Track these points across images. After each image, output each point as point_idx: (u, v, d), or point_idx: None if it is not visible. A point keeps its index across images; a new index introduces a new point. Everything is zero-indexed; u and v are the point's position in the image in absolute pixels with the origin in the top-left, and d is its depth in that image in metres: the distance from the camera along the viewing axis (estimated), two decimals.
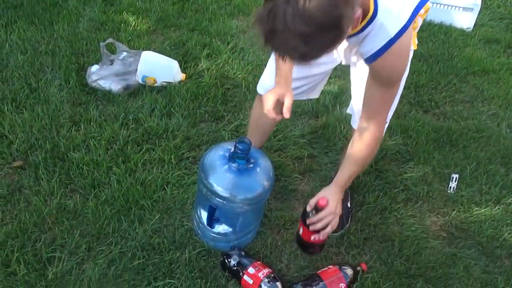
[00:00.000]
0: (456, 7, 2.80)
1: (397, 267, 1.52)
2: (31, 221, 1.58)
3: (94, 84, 2.21)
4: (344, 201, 1.55)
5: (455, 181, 1.84)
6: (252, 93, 2.26)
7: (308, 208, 1.32)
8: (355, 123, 1.46)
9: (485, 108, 2.23)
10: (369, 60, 1.10)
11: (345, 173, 1.33)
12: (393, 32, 1.03)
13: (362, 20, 1.03)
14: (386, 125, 1.36)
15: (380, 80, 1.15)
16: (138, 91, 2.22)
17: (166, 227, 1.62)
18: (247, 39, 2.67)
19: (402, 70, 1.15)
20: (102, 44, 2.25)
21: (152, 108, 2.11)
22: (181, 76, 2.29)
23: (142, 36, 2.65)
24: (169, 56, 2.40)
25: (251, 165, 1.39)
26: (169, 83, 2.25)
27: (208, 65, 2.41)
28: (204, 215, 1.52)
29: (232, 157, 1.37)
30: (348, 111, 1.60)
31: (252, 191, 1.39)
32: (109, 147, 1.91)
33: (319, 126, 2.11)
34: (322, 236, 1.32)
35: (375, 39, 1.05)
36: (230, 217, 1.47)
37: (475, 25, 2.83)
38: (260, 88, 1.57)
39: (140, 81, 2.24)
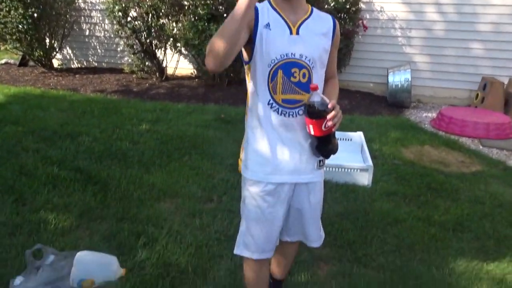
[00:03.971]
0: (355, 169, 3.29)
1: None
2: None
3: None
4: None
5: None
6: (200, 278, 2.18)
7: (330, 106, 1.48)
8: None
9: (412, 255, 2.47)
10: (333, 26, 1.62)
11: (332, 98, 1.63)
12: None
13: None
14: None
15: (336, 45, 1.67)
16: None
17: None
18: (180, 220, 2.67)
19: None
20: (28, 251, 2.03)
21: None
22: (121, 271, 2.13)
23: (66, 233, 2.48)
24: (102, 251, 2.25)
25: None
26: (108, 282, 2.07)
27: (147, 254, 2.31)
28: None
29: None
30: None
31: None
32: None
33: None
34: (334, 123, 1.49)
35: (324, 17, 1.63)
36: None
37: (372, 182, 3.30)
38: (255, 253, 1.69)
39: (75, 286, 2.01)
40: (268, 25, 1.51)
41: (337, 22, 1.65)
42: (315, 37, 1.57)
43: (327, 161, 1.72)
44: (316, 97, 1.48)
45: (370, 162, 3.35)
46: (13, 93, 5.84)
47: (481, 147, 4.26)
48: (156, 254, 2.32)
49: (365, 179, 3.29)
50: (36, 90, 6.11)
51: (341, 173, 3.29)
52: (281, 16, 1.54)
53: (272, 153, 1.60)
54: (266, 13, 1.53)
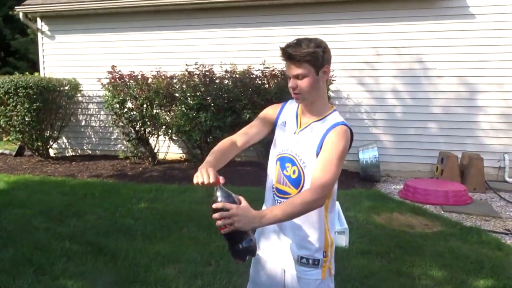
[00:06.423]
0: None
1: None
2: None
3: None
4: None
5: None
6: None
7: (214, 206, 1.46)
8: None
9: None
10: (326, 132, 1.61)
11: (277, 207, 1.57)
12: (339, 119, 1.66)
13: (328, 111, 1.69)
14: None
15: (324, 150, 1.60)
16: None
17: None
18: (184, 281, 3.05)
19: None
20: None
21: None
22: None
23: None
24: None
25: None
26: None
27: None
28: None
29: None
30: None
31: None
32: None
33: None
34: (222, 223, 1.42)
35: (330, 121, 1.65)
36: None
37: (349, 243, 3.78)
38: None
39: None
40: (284, 123, 1.77)
41: (334, 129, 1.62)
42: (309, 140, 1.66)
43: None
44: (215, 192, 1.48)
45: (346, 225, 3.86)
46: (14, 180, 6.25)
47: (442, 212, 4.85)
48: None
49: (342, 240, 3.77)
50: (36, 177, 6.54)
51: None
52: (297, 115, 1.75)
53: (263, 229, 1.80)
54: (289, 110, 1.78)
